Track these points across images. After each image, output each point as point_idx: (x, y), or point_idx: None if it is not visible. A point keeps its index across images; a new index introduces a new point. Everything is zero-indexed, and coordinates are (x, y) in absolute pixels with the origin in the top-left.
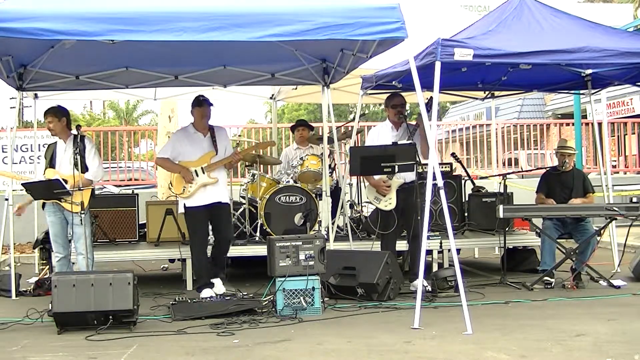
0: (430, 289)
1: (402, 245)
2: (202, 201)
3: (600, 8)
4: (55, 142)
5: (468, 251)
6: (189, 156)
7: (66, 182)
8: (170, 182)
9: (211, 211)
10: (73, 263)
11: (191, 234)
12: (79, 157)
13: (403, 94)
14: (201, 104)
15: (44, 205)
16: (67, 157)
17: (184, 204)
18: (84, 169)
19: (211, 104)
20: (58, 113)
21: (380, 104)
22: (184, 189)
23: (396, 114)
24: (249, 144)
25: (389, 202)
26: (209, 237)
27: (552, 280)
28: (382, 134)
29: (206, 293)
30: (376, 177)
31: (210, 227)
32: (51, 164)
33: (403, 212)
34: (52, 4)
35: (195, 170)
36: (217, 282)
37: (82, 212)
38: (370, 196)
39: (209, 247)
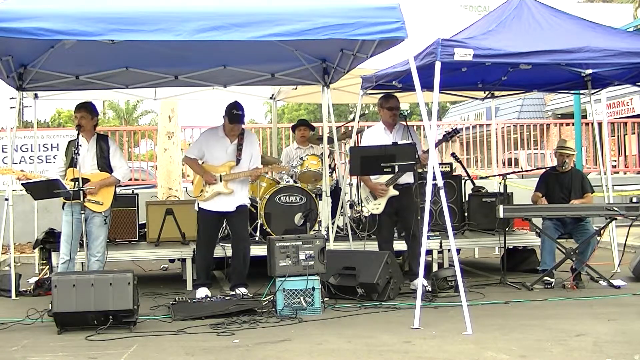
0: (430, 289)
1: (402, 245)
2: (215, 207)
3: (600, 8)
4: (77, 140)
5: (468, 251)
6: (212, 159)
7: (88, 181)
8: (192, 181)
9: (224, 218)
10: (82, 263)
11: (199, 233)
12: (104, 158)
13: (403, 94)
14: (232, 120)
15: (64, 204)
16: (90, 156)
17: (198, 203)
18: (108, 169)
19: (243, 122)
20: (92, 112)
21: (377, 105)
22: (201, 192)
23: (392, 116)
24: None
25: (377, 207)
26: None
27: (552, 280)
28: (375, 136)
29: (201, 292)
30: (373, 180)
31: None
32: (71, 162)
33: (399, 213)
34: (52, 4)
35: (216, 178)
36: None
37: (105, 212)
38: (363, 195)
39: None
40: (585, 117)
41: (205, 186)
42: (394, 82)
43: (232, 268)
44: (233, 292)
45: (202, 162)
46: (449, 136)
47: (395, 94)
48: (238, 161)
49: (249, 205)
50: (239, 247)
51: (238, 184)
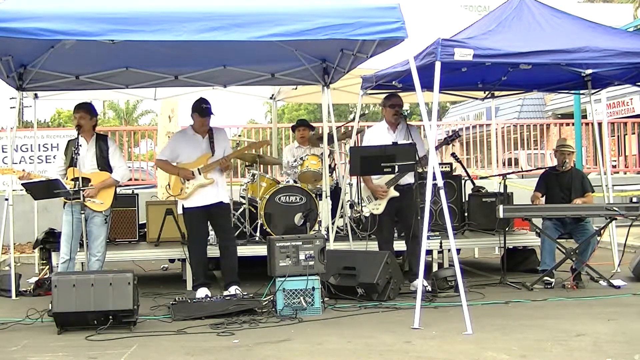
0: (430, 289)
1: (402, 245)
2: (199, 202)
3: (600, 8)
4: (76, 140)
5: (468, 251)
6: (187, 158)
7: (88, 180)
8: (168, 184)
9: (210, 212)
10: (82, 263)
11: (189, 234)
12: (103, 158)
13: (403, 94)
14: (202, 114)
15: (64, 204)
16: (89, 156)
17: (182, 205)
18: (108, 169)
19: (212, 114)
20: (91, 112)
21: (380, 104)
22: (181, 190)
23: (394, 114)
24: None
25: (377, 207)
26: (209, 237)
27: (552, 280)
28: (378, 135)
29: (201, 292)
30: (375, 181)
31: (211, 229)
32: (71, 162)
33: (399, 213)
34: (52, 4)
35: (192, 172)
36: (232, 289)
37: (105, 212)
38: (364, 194)
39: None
40: (585, 117)
41: (185, 183)
42: (394, 82)
43: (225, 266)
44: (228, 291)
45: (176, 164)
46: (450, 139)
47: (397, 93)
48: (213, 152)
49: (230, 203)
50: (227, 245)
51: (217, 173)
